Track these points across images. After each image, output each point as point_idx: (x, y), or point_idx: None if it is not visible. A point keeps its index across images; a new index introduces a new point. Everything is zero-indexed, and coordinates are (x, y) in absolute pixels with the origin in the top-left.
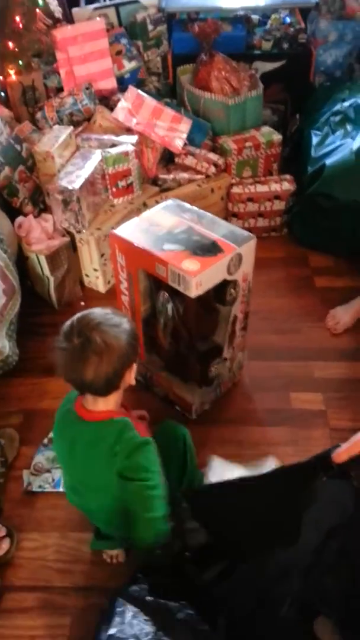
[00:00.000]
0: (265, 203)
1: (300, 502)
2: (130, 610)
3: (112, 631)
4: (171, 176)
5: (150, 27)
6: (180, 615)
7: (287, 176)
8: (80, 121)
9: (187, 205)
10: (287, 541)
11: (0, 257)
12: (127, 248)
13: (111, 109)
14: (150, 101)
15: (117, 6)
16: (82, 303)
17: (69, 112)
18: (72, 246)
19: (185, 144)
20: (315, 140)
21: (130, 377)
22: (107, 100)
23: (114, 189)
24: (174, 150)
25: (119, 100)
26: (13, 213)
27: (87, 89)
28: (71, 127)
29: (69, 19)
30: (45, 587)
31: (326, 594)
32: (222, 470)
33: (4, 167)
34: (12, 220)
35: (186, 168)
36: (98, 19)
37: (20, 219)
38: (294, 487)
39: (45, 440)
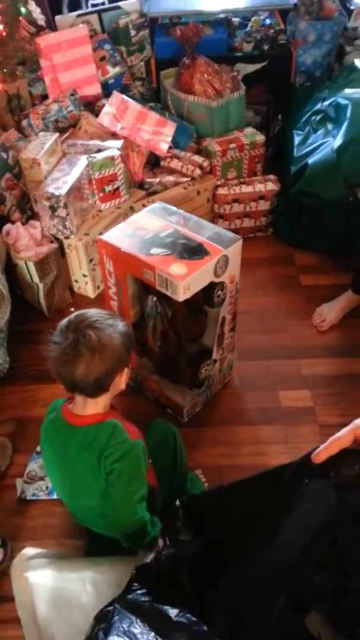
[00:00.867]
0: (250, 204)
1: (282, 505)
2: (126, 620)
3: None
4: (157, 179)
5: (132, 32)
6: (178, 619)
7: (271, 176)
8: (66, 127)
9: (173, 208)
10: (267, 543)
11: None
12: (114, 253)
13: (96, 114)
14: (134, 106)
15: (99, 12)
16: (72, 309)
17: (55, 119)
18: (61, 252)
19: (170, 147)
20: (297, 139)
21: (121, 382)
22: (92, 106)
23: (100, 194)
24: (159, 153)
25: (103, 105)
26: (0, 221)
27: (71, 95)
28: (57, 134)
29: (52, 26)
30: None
31: (317, 589)
32: None
33: None
34: (0, 228)
35: (172, 171)
36: (81, 25)
37: (8, 226)
38: (278, 489)
39: (38, 448)
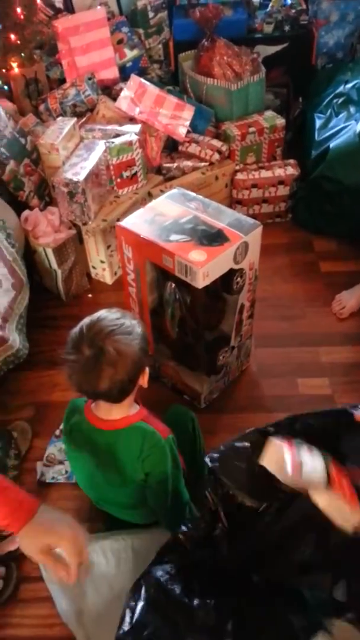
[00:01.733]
0: (269, 189)
1: None
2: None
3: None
4: (175, 165)
5: (151, 14)
6: (198, 615)
7: (291, 161)
8: (84, 112)
9: (192, 194)
10: None
11: (8, 251)
12: (133, 240)
13: (114, 98)
14: (152, 89)
15: None
16: (90, 295)
17: (72, 103)
18: (79, 238)
19: (188, 132)
20: (318, 123)
21: (144, 380)
22: (109, 90)
23: (118, 180)
24: (177, 138)
25: (121, 89)
26: (19, 207)
27: (89, 79)
28: (75, 119)
29: (69, 9)
30: None
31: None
32: None
33: (9, 161)
34: (19, 214)
35: (190, 156)
36: (99, 7)
37: (26, 212)
38: None
39: (57, 432)
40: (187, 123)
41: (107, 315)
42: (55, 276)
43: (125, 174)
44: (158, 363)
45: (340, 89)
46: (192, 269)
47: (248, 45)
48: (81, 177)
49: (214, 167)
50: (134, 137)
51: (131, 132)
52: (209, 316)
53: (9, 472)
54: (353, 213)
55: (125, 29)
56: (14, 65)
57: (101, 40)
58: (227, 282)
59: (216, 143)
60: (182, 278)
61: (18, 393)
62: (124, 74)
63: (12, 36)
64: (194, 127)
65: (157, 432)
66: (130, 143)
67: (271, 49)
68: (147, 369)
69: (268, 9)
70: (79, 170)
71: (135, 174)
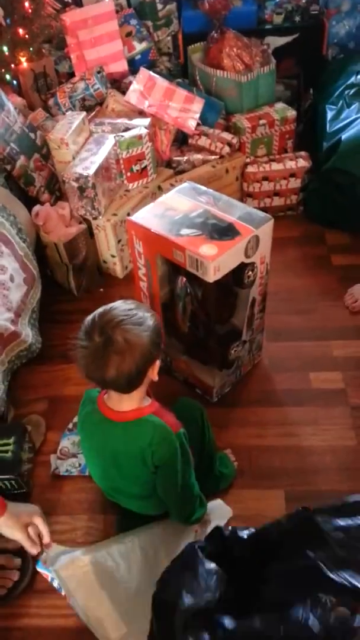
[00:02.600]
0: (280, 181)
1: None
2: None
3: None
4: (185, 158)
5: (159, 6)
6: None
7: (302, 153)
8: (93, 106)
9: (203, 188)
10: None
11: (19, 247)
12: (144, 234)
13: (123, 92)
14: (162, 82)
15: None
16: (101, 289)
17: (81, 97)
18: (89, 233)
19: (198, 124)
20: (330, 114)
21: (154, 374)
22: (118, 84)
23: (128, 174)
24: (187, 131)
25: (130, 83)
26: (30, 202)
27: (98, 72)
28: (84, 113)
29: (77, 2)
30: None
31: None
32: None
33: (19, 156)
34: (29, 209)
35: (200, 149)
36: (107, 0)
37: (37, 207)
38: None
39: (70, 425)
40: (197, 116)
41: (121, 305)
42: (67, 271)
43: (135, 167)
44: (170, 357)
45: (352, 79)
46: (203, 263)
47: (258, 36)
48: (91, 171)
49: (224, 160)
50: (144, 131)
51: (141, 125)
52: (220, 310)
53: (24, 465)
54: None
55: (133, 22)
56: (23, 59)
57: (110, 33)
58: (238, 276)
59: (226, 136)
60: (193, 272)
61: (31, 387)
62: (133, 67)
63: (21, 30)
64: (203, 120)
65: (168, 426)
66: (140, 137)
67: (281, 40)
68: (157, 362)
69: (278, 0)
70: (89, 164)
71: (145, 167)
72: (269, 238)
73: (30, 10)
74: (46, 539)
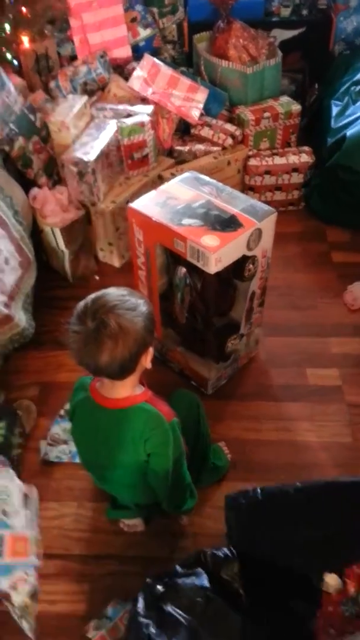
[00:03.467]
0: (283, 176)
1: None
2: None
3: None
4: (187, 148)
5: None
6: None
7: (306, 148)
8: (94, 90)
9: (206, 178)
10: None
11: (15, 229)
12: (145, 222)
13: (125, 78)
14: (166, 70)
15: None
16: (97, 277)
17: (83, 81)
18: (87, 219)
19: (201, 115)
20: (335, 110)
21: (147, 361)
22: (121, 69)
23: (129, 161)
24: (190, 120)
25: (133, 69)
26: (27, 184)
27: (101, 57)
28: (86, 97)
29: None
30: (64, 555)
31: None
32: None
33: (18, 137)
34: (26, 191)
35: (202, 139)
36: None
37: (35, 190)
38: None
39: (62, 412)
40: (201, 105)
41: (114, 291)
42: (63, 257)
43: (136, 155)
44: (166, 348)
45: (358, 76)
46: (204, 254)
47: (264, 28)
48: (92, 156)
49: (226, 151)
50: (146, 118)
51: (143, 112)
52: (219, 302)
53: (14, 450)
54: None
55: (139, 7)
56: (25, 39)
57: (114, 17)
58: (239, 268)
59: (229, 127)
60: (194, 263)
61: (23, 372)
62: (137, 54)
63: (24, 9)
64: (207, 110)
65: (161, 414)
66: (142, 124)
67: (288, 33)
68: (150, 350)
69: None
70: (89, 149)
71: (146, 155)
72: (272, 232)
73: None
74: None
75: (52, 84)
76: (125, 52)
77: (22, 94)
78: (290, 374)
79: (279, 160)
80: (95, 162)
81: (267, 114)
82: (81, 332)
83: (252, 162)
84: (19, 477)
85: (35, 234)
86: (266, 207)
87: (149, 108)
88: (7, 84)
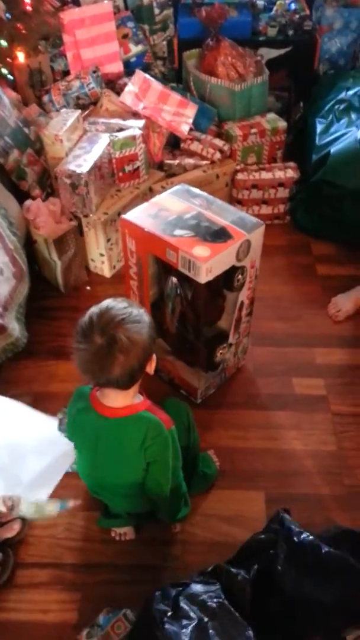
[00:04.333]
0: (269, 190)
1: None
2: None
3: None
4: (177, 161)
5: (156, 10)
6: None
7: (291, 163)
8: (87, 105)
9: (197, 191)
10: None
11: (10, 240)
12: (137, 233)
13: (117, 93)
14: (156, 85)
15: None
16: (88, 288)
17: (76, 96)
18: (79, 231)
19: (191, 129)
20: (319, 128)
21: (151, 367)
22: (113, 84)
23: (120, 174)
24: (180, 135)
25: (125, 84)
26: (21, 196)
27: (94, 72)
28: (79, 111)
29: (75, 1)
30: (56, 564)
31: None
32: None
33: (13, 150)
34: (20, 203)
35: (192, 154)
36: (105, 1)
37: (28, 202)
38: None
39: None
40: (190, 120)
41: (115, 304)
42: (55, 267)
43: (128, 168)
44: (156, 357)
45: (342, 95)
46: (195, 264)
47: (251, 47)
48: (84, 169)
49: (215, 165)
50: (138, 132)
51: (135, 126)
52: (209, 312)
53: None
54: (351, 218)
55: (130, 24)
56: (20, 55)
57: (106, 34)
58: (228, 278)
59: (218, 142)
60: (185, 273)
61: (16, 382)
62: (128, 69)
63: (19, 26)
64: (196, 125)
65: (161, 422)
66: (133, 137)
67: (274, 52)
68: (154, 356)
69: (272, 13)
70: (82, 162)
71: (138, 168)
72: (260, 243)
73: (29, 7)
74: None
75: (45, 98)
76: (117, 67)
77: (16, 108)
78: (277, 384)
79: (265, 175)
80: (88, 175)
81: (254, 130)
82: (89, 349)
83: (240, 176)
84: None
85: (28, 244)
86: (255, 219)
87: (140, 122)
88: (2, 98)
